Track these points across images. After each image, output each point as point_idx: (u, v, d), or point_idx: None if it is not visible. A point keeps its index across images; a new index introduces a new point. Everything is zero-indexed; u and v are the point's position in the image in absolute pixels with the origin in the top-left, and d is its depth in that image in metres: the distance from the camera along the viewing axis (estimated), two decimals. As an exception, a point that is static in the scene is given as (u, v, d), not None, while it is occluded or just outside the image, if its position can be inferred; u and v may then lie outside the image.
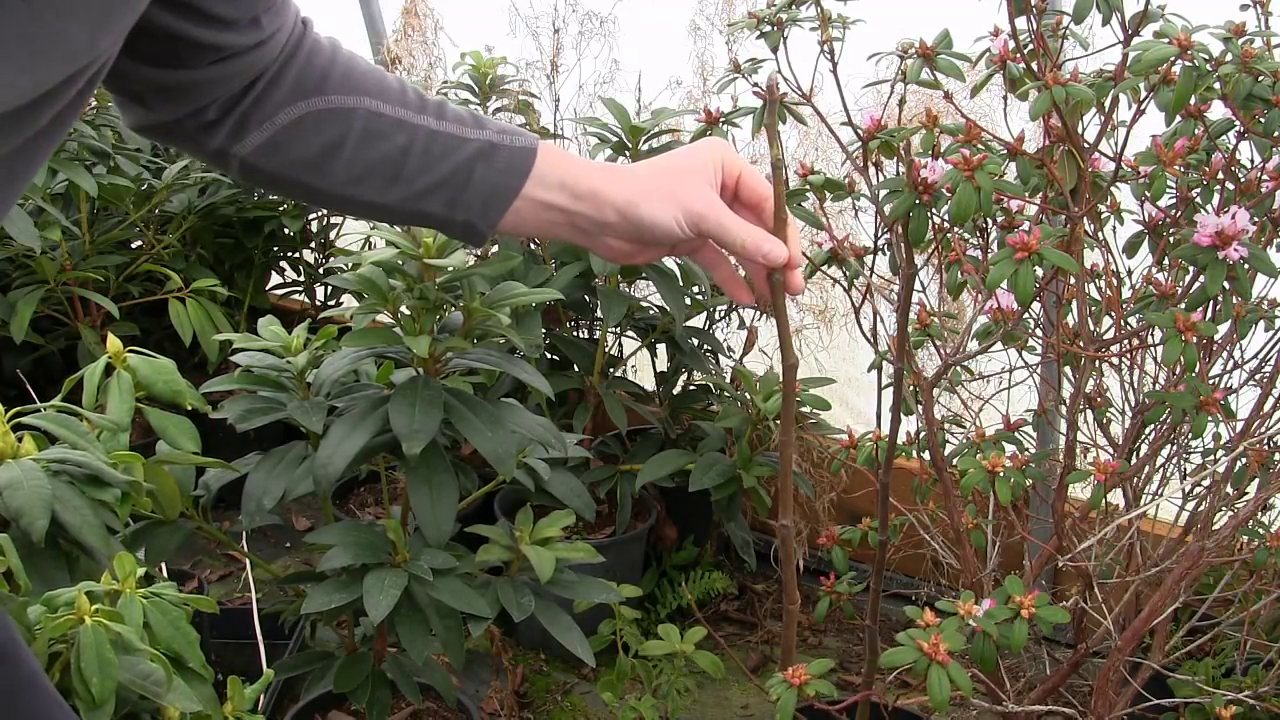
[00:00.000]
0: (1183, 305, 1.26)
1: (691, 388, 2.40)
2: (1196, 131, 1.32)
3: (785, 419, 1.05)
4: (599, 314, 2.26)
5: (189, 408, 1.41)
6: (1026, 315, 1.43)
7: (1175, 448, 1.53)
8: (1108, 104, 1.30)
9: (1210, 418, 1.23)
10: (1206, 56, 1.19)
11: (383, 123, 0.87)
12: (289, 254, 2.87)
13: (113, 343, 1.38)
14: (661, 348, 2.35)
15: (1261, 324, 1.44)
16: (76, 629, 1.14)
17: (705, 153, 0.92)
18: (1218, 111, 1.34)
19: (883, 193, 1.31)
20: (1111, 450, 1.56)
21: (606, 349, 2.26)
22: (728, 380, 2.29)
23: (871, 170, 1.40)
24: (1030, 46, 1.28)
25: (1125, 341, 1.43)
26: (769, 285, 0.95)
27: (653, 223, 0.90)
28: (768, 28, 1.37)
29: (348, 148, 0.87)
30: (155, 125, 0.86)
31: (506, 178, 0.90)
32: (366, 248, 2.41)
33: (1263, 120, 1.24)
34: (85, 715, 1.10)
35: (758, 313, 2.34)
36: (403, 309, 1.48)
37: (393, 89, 0.89)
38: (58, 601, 1.17)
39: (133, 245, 2.60)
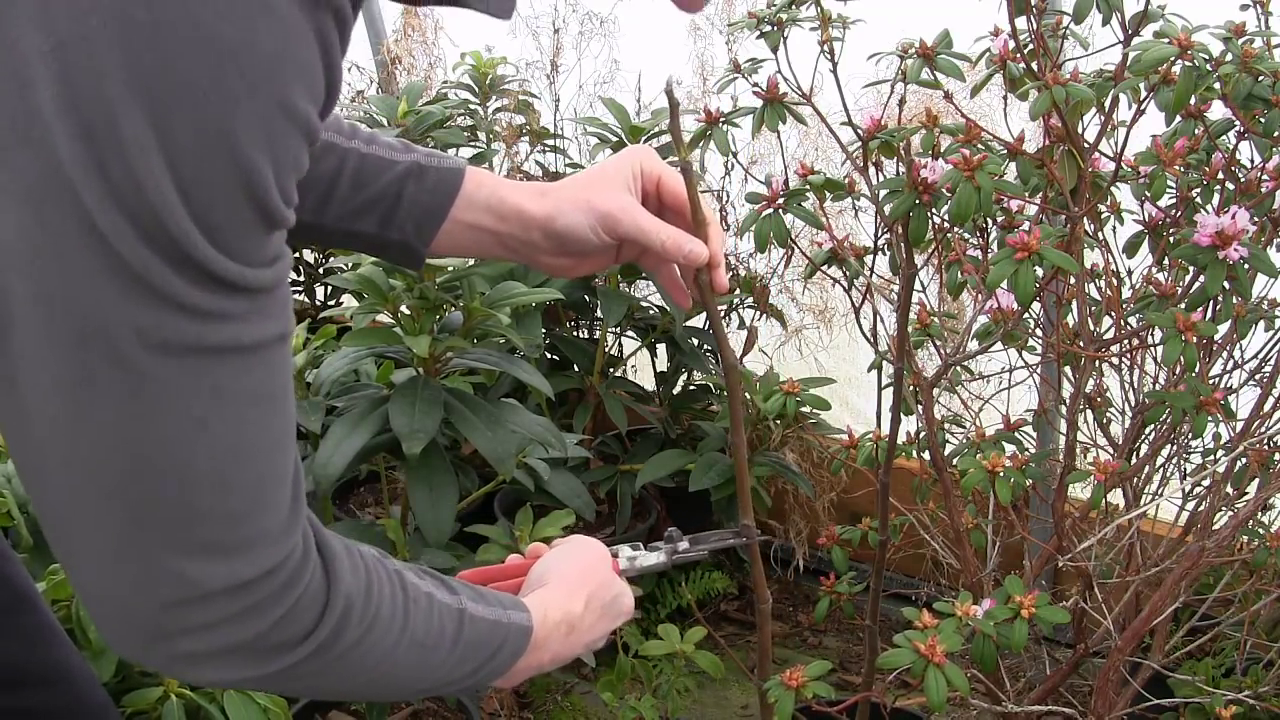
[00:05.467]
0: (1183, 305, 1.26)
1: (691, 388, 2.40)
2: (1196, 131, 1.32)
3: (734, 420, 1.06)
4: (599, 314, 2.26)
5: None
6: (1026, 315, 1.43)
7: (1175, 448, 1.53)
8: (1108, 104, 1.30)
9: (1210, 418, 1.23)
10: (1206, 56, 1.19)
11: (318, 146, 0.89)
12: (289, 254, 2.87)
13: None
14: (661, 348, 2.35)
15: (1261, 324, 1.44)
16: None
17: (622, 160, 0.95)
18: (1218, 111, 1.34)
19: (883, 193, 1.31)
20: (1111, 450, 1.56)
21: (606, 349, 2.26)
22: (728, 380, 2.29)
23: (871, 170, 1.40)
24: (1030, 46, 1.28)
25: (1125, 341, 1.43)
26: (697, 285, 0.97)
27: (569, 233, 0.93)
28: (768, 28, 1.37)
29: None
30: None
31: (436, 197, 0.93)
32: (366, 248, 2.40)
33: (1263, 120, 1.24)
34: (92, 664, 1.12)
35: (758, 313, 2.34)
36: (402, 309, 1.48)
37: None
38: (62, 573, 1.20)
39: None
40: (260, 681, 0.68)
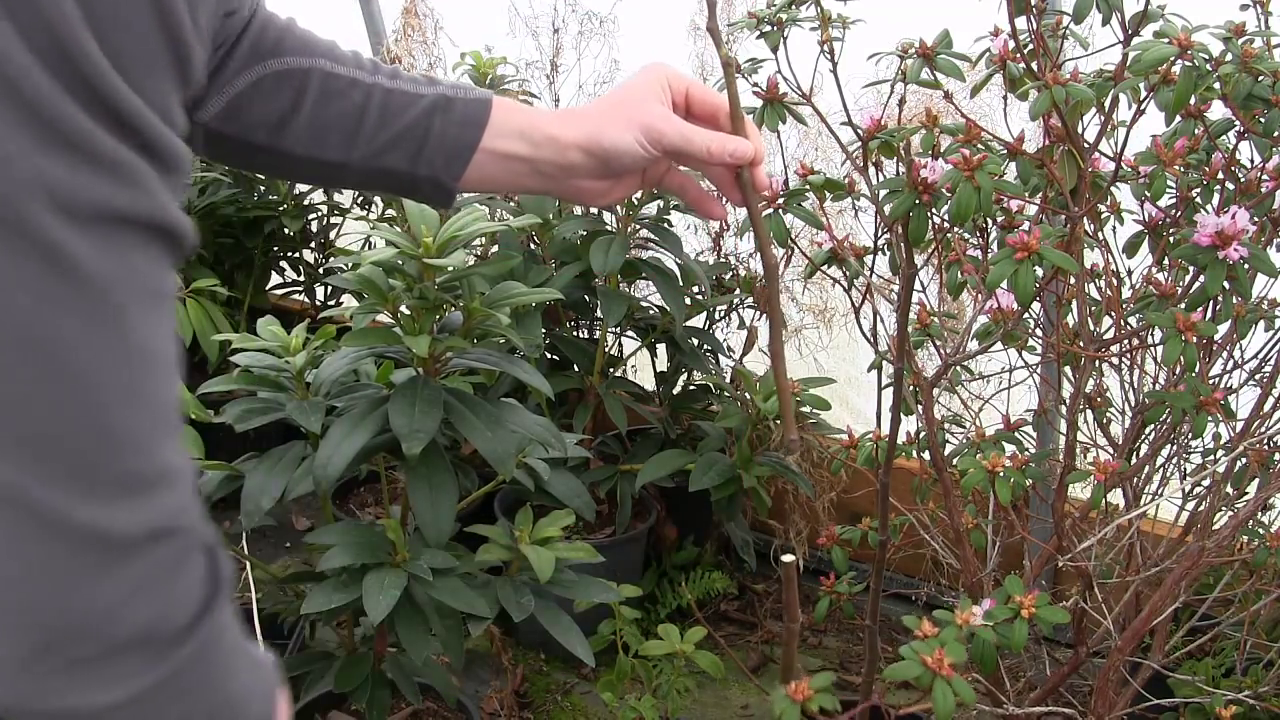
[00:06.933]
0: (1183, 305, 1.26)
1: (691, 388, 2.40)
2: (1196, 131, 1.32)
3: (774, 326, 0.99)
4: (599, 314, 2.26)
5: (192, 416, 1.41)
6: (1026, 315, 1.43)
7: (1175, 448, 1.53)
8: (1108, 104, 1.30)
9: (1210, 418, 1.23)
10: (1206, 56, 1.19)
11: (339, 82, 0.89)
12: (289, 254, 2.87)
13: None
14: (661, 348, 2.35)
15: (1261, 324, 1.44)
16: None
17: (651, 75, 0.95)
18: (1218, 111, 1.34)
19: (883, 193, 1.31)
20: (1111, 450, 1.56)
21: (606, 349, 2.26)
22: (728, 380, 2.29)
23: (871, 170, 1.40)
24: (1030, 46, 1.28)
25: (1125, 341, 1.43)
26: (739, 186, 0.96)
27: (616, 149, 0.92)
28: (768, 28, 1.37)
29: (306, 106, 0.88)
30: None
31: (465, 129, 0.92)
32: (366, 247, 2.40)
33: (1263, 120, 1.24)
34: None
35: (757, 313, 2.34)
36: (402, 309, 1.48)
37: (346, 55, 0.91)
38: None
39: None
40: (137, 701, 0.54)
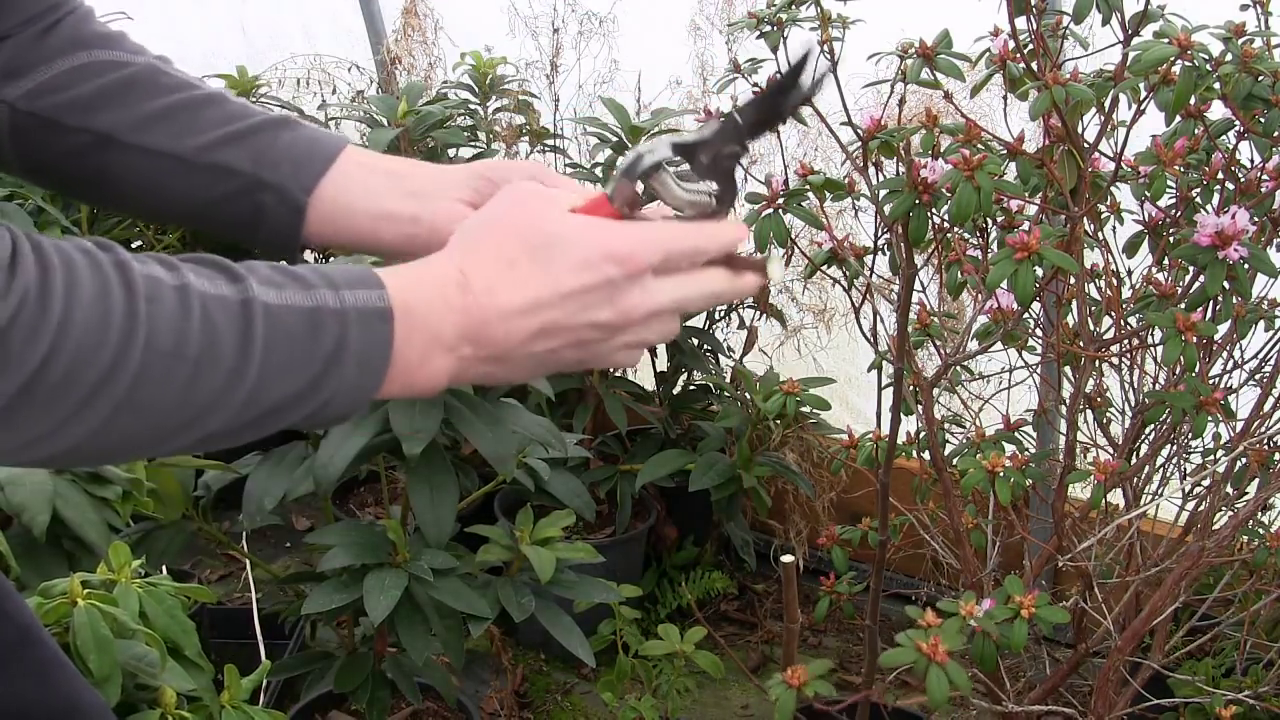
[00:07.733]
0: (1183, 305, 1.26)
1: (691, 388, 2.40)
2: (1196, 131, 1.32)
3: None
4: (599, 314, 2.26)
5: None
6: (1026, 315, 1.42)
7: (1175, 448, 1.53)
8: (1108, 104, 1.30)
9: (1210, 418, 1.23)
10: (1206, 56, 1.19)
11: (171, 80, 0.81)
12: (289, 254, 2.87)
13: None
14: (661, 348, 2.35)
15: (1261, 324, 1.44)
16: (70, 613, 1.15)
17: None
18: (1218, 111, 1.34)
19: (883, 193, 1.31)
20: (1111, 450, 1.56)
21: (606, 349, 2.26)
22: (728, 380, 2.29)
23: (871, 170, 1.40)
24: (1030, 46, 1.28)
25: (1125, 341, 1.43)
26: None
27: (503, 168, 0.84)
28: (767, 28, 1.37)
29: (135, 92, 0.80)
30: None
31: (317, 143, 0.81)
32: (366, 248, 2.39)
33: (1263, 120, 1.24)
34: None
35: (758, 313, 2.34)
36: (403, 309, 1.48)
37: (180, 69, 0.85)
38: (54, 591, 1.18)
39: (133, 245, 2.60)
40: None
